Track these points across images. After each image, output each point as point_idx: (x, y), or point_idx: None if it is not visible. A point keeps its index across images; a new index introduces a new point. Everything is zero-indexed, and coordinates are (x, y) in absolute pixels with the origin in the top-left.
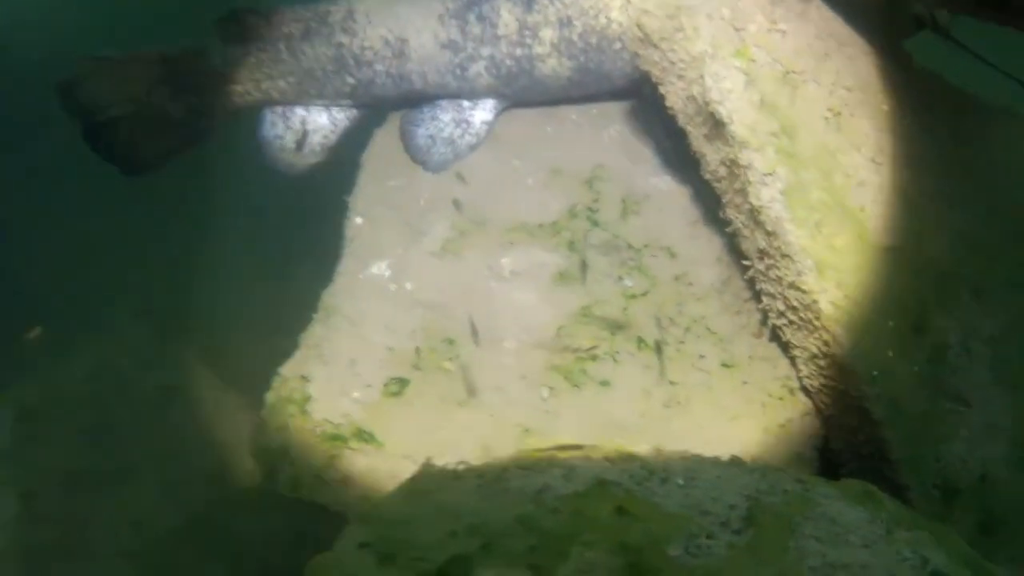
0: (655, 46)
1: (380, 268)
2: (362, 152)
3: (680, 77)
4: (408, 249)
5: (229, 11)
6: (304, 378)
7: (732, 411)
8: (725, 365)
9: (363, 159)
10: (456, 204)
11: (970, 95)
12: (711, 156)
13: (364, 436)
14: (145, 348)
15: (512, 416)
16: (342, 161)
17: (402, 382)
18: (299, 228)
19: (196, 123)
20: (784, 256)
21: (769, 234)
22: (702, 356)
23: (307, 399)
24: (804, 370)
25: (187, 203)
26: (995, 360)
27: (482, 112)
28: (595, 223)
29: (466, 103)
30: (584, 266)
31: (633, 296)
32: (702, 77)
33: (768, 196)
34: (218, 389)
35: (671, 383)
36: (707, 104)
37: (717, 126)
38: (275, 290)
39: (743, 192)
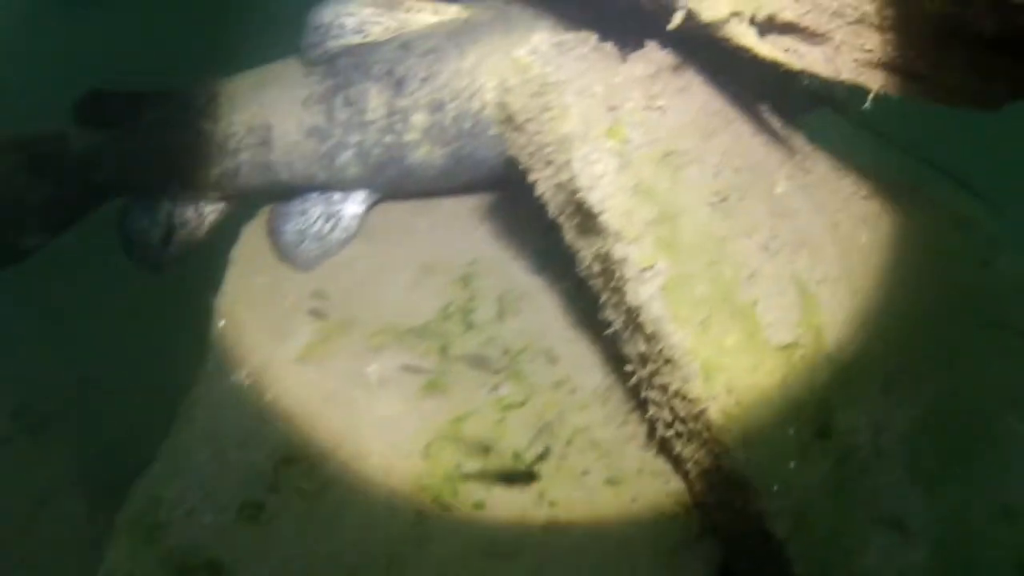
0: (520, 128)
1: (240, 376)
2: (231, 247)
3: (548, 163)
4: (270, 355)
5: (88, 92)
6: (156, 499)
7: (619, 533)
8: (610, 482)
9: (232, 255)
10: (317, 306)
11: (871, 173)
12: (585, 250)
13: (215, 567)
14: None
15: (379, 543)
16: (209, 256)
17: (258, 506)
18: (159, 330)
19: (56, 213)
20: (667, 361)
21: (649, 337)
22: (585, 472)
23: (157, 524)
24: (698, 486)
25: (47, 297)
26: (909, 458)
27: (353, 205)
28: (469, 325)
29: (336, 195)
30: (455, 374)
31: (509, 406)
32: (570, 161)
33: (647, 293)
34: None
35: (551, 503)
36: (576, 191)
37: (588, 216)
38: (132, 396)
39: (619, 290)
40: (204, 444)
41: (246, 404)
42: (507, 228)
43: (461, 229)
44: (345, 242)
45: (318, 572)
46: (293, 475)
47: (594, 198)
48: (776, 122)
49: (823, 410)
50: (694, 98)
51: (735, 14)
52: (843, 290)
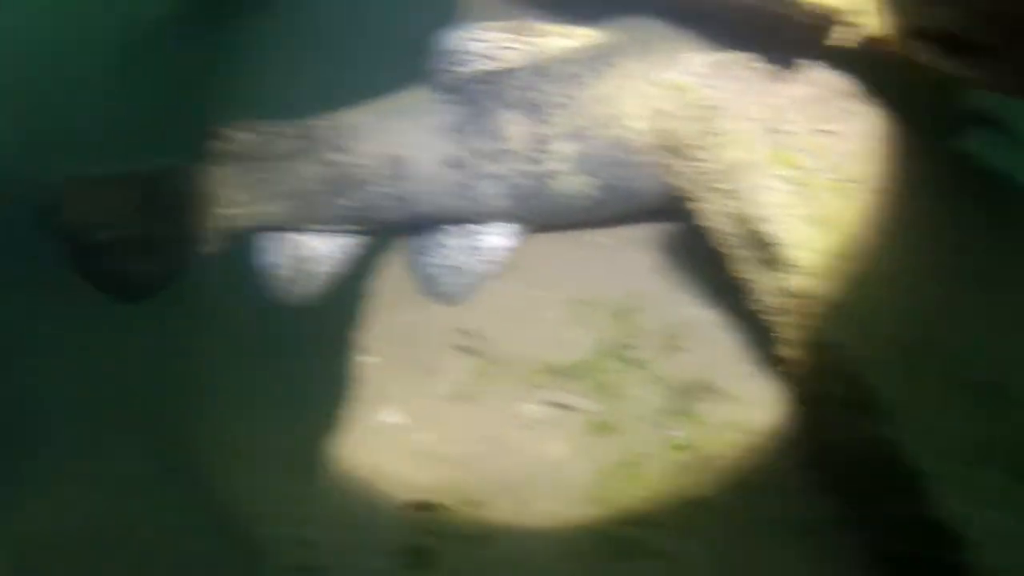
0: (681, 155)
1: (391, 415)
2: (368, 282)
3: (715, 191)
4: (421, 394)
5: (217, 127)
6: (310, 543)
7: None
8: (802, 530)
9: (368, 290)
10: (466, 343)
11: None
12: (758, 283)
13: None
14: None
15: None
16: (345, 292)
17: (418, 552)
18: (299, 368)
19: (185, 248)
20: (861, 402)
21: (836, 378)
22: (772, 520)
23: (312, 569)
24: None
25: (176, 337)
26: None
27: (494, 237)
28: (630, 362)
29: (474, 227)
30: (620, 413)
31: (680, 447)
32: (741, 189)
33: (833, 331)
34: (219, 541)
35: (739, 550)
36: (748, 221)
37: (762, 247)
38: (274, 437)
39: (800, 326)
40: (356, 486)
41: (398, 444)
42: (664, 260)
43: (614, 261)
44: (488, 275)
45: None
46: (455, 520)
47: (769, 228)
48: (939, 144)
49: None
50: (863, 121)
51: (911, 29)
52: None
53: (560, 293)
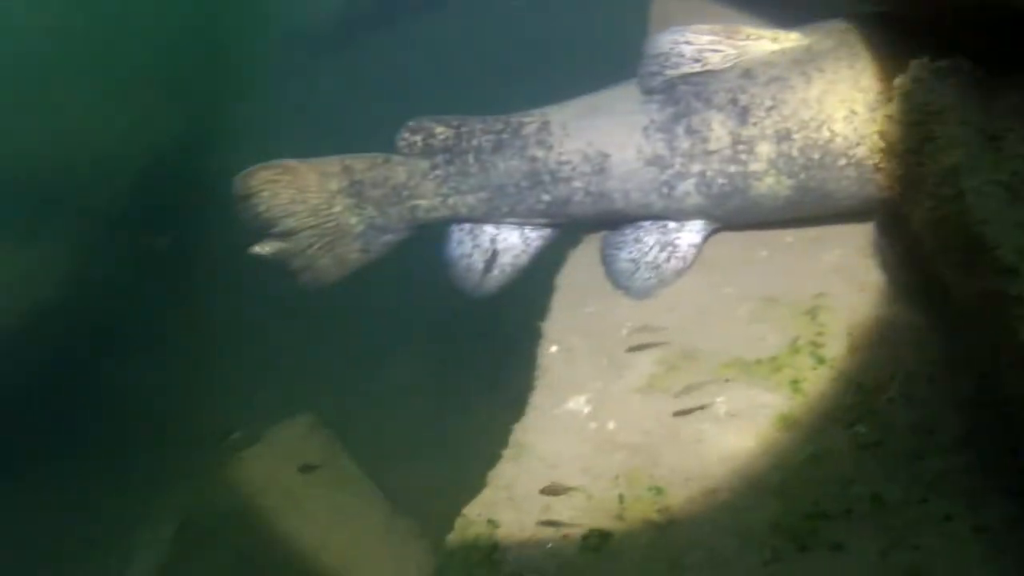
0: (899, 157)
1: (578, 404)
2: (556, 275)
3: (930, 195)
4: (609, 384)
5: (415, 120)
6: (492, 522)
7: None
8: (977, 529)
9: (557, 282)
10: (656, 336)
11: None
12: (967, 286)
13: None
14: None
15: None
16: (534, 283)
17: (603, 535)
18: (486, 354)
19: (376, 237)
20: None
21: None
22: (948, 518)
23: (494, 547)
24: None
25: (360, 319)
26: None
27: (689, 234)
28: (820, 360)
29: (671, 224)
30: (808, 409)
31: (865, 446)
32: (961, 194)
33: None
34: (389, 518)
35: (914, 547)
36: (968, 225)
37: (978, 251)
38: (459, 420)
39: (1010, 328)
40: (542, 471)
41: (586, 432)
42: (852, 262)
43: (803, 262)
44: (681, 272)
45: None
46: (640, 506)
47: (989, 232)
48: None
49: None
50: None
51: None
52: None
53: (748, 289)
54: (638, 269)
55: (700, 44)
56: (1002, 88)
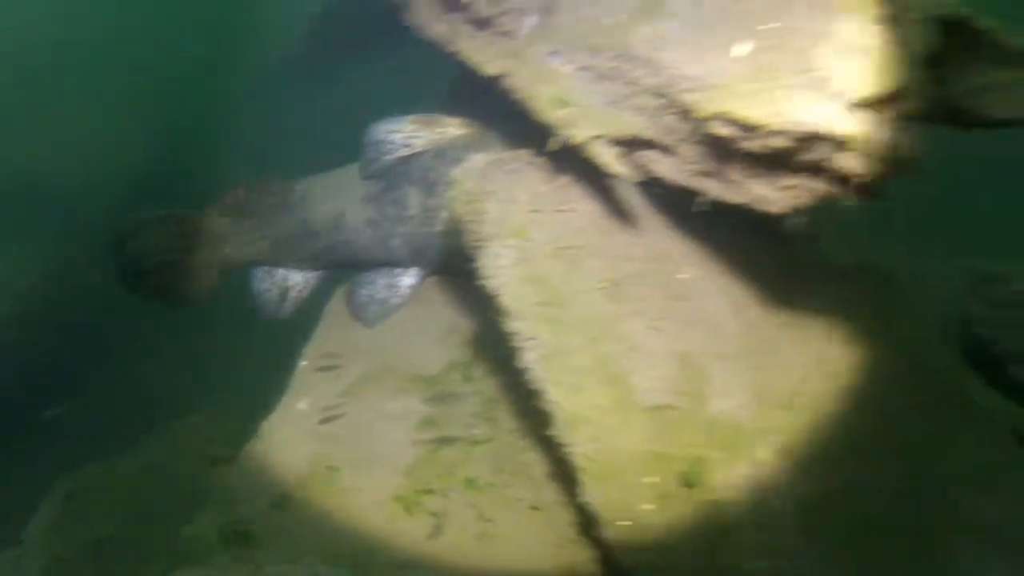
0: (464, 229)
1: (303, 404)
2: (324, 306)
3: (477, 257)
4: (326, 389)
5: (234, 185)
6: (235, 488)
7: (531, 550)
8: (534, 507)
9: (324, 310)
10: (368, 356)
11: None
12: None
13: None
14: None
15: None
16: (307, 313)
17: (286, 497)
18: (262, 365)
19: (207, 273)
20: (545, 412)
21: (532, 393)
22: (519, 499)
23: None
24: (579, 517)
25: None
26: (809, 525)
27: (409, 278)
28: (468, 378)
29: (397, 270)
30: (447, 414)
31: (477, 442)
32: (482, 256)
33: (530, 360)
34: None
35: (487, 520)
36: (482, 279)
37: (492, 298)
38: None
39: (518, 356)
40: (276, 451)
41: (304, 425)
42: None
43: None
44: (400, 306)
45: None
46: (318, 482)
47: (494, 284)
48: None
49: (694, 464)
50: (605, 201)
51: (596, 136)
52: (741, 365)
53: (440, 321)
54: (371, 303)
55: (407, 132)
56: (548, 171)
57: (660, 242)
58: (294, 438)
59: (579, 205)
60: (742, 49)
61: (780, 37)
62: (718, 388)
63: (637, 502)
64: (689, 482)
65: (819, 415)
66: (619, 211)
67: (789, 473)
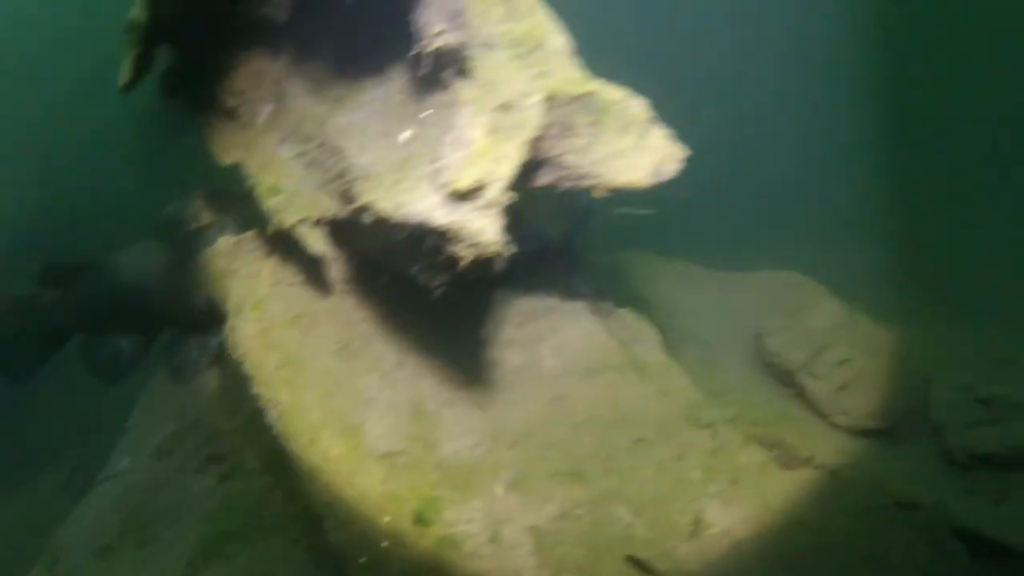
0: (219, 307)
1: (122, 463)
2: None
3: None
4: (135, 451)
5: (49, 264)
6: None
7: None
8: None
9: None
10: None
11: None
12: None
13: None
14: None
15: None
16: (134, 376)
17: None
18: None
19: (39, 342)
20: (287, 466)
21: (277, 450)
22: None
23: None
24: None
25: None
26: (541, 548)
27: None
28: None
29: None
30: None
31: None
32: (224, 329)
33: (271, 419)
34: None
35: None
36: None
37: (236, 366)
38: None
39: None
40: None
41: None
42: None
43: None
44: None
45: None
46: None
47: (237, 353)
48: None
49: (426, 504)
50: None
51: (301, 220)
52: (466, 407)
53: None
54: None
55: (194, 208)
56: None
57: (383, 304)
58: (113, 489)
59: (311, 277)
60: (405, 136)
61: (430, 125)
62: (445, 432)
63: (376, 540)
64: (423, 520)
65: (548, 447)
66: (333, 282)
67: (521, 504)
